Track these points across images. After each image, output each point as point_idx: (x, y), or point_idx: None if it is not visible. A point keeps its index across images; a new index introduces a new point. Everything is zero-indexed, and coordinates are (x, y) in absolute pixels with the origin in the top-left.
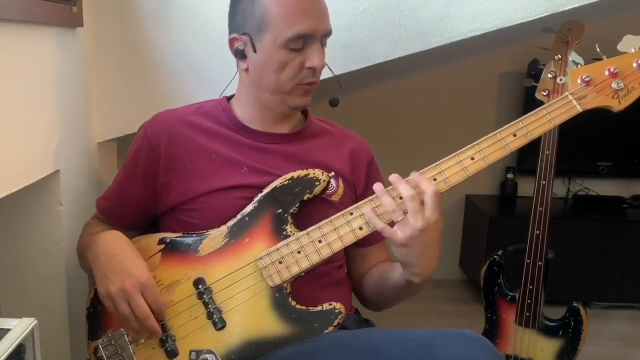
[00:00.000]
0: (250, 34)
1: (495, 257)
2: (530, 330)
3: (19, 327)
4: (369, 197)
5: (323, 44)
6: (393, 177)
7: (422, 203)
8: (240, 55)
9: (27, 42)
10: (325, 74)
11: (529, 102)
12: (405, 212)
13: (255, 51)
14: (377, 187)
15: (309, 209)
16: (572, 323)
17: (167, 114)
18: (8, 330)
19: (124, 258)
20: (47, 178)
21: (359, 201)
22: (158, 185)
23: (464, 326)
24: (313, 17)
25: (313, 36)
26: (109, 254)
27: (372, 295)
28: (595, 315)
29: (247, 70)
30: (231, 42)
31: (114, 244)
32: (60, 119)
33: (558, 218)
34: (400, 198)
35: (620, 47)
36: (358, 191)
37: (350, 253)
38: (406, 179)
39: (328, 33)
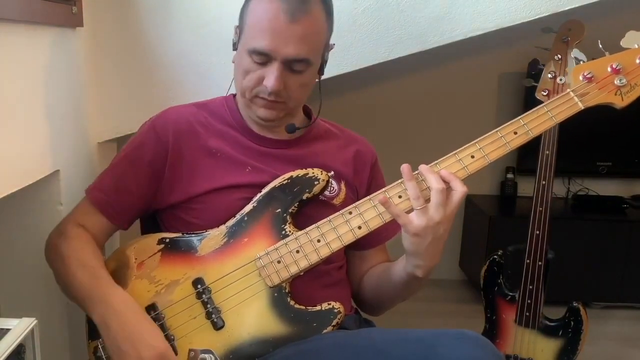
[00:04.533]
0: (239, 30)
1: (495, 257)
2: (530, 330)
3: (19, 327)
4: (368, 197)
5: (294, 69)
6: (423, 167)
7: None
8: (234, 46)
9: (27, 42)
10: (327, 74)
11: (529, 102)
12: (427, 201)
13: (236, 48)
14: (405, 169)
15: (310, 212)
16: (572, 323)
17: (176, 110)
18: (8, 330)
19: (140, 328)
20: (47, 178)
21: None
22: (162, 181)
23: (464, 326)
24: (277, 38)
25: (271, 57)
26: (121, 322)
27: (371, 296)
28: (595, 315)
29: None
30: (235, 30)
31: (126, 311)
32: (60, 119)
33: (558, 218)
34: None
35: (623, 43)
36: (360, 194)
37: (350, 256)
38: (437, 170)
39: (295, 60)
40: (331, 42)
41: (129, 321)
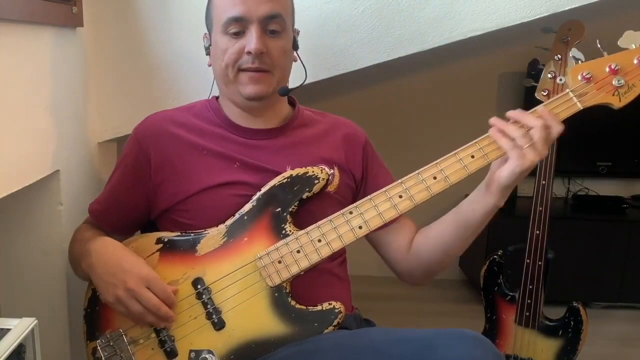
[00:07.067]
0: (209, 30)
1: (495, 257)
2: (530, 330)
3: (19, 327)
4: (368, 197)
5: (271, 29)
6: (516, 113)
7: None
8: (206, 51)
9: (27, 42)
10: (327, 74)
11: (529, 102)
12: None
13: (210, 44)
14: (494, 119)
15: (307, 205)
16: (572, 323)
17: (158, 116)
18: (8, 330)
19: (118, 259)
20: (47, 178)
21: (358, 186)
22: (150, 187)
23: (464, 326)
24: (247, 1)
25: (248, 20)
26: (103, 261)
27: (434, 257)
28: (595, 315)
29: (210, 65)
30: (204, 37)
31: (106, 250)
32: (60, 119)
33: (558, 218)
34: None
35: (620, 43)
36: (357, 177)
37: (380, 237)
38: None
39: (269, 16)
40: (330, 42)
41: (109, 258)
